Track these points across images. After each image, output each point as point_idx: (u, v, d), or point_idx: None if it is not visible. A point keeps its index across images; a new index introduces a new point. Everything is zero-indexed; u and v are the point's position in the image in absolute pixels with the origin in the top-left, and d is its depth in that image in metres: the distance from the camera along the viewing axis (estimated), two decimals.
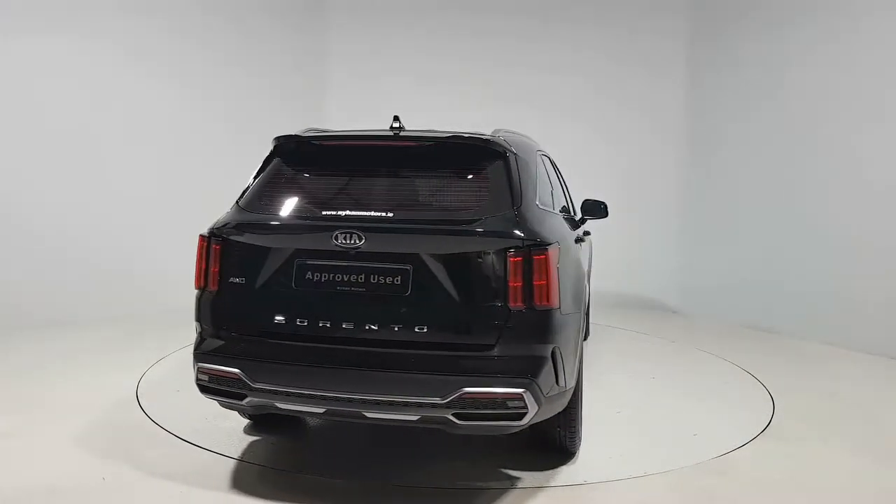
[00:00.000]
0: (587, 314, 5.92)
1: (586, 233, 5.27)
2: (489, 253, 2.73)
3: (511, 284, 2.70)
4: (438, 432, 2.88)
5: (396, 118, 3.26)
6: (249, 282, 2.94)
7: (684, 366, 5.47)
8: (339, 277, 2.83)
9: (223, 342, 2.99)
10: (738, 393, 4.71)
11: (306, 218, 2.98)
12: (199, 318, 3.07)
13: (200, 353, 3.00)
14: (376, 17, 8.29)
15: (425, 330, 2.73)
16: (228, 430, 3.74)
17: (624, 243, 7.49)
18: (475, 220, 2.80)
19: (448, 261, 2.75)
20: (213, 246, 3.02)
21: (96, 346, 5.56)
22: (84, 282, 6.60)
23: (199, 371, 2.97)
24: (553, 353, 2.80)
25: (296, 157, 3.24)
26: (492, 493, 3.04)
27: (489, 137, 3.09)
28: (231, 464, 3.28)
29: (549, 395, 2.80)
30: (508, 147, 3.09)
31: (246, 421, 3.81)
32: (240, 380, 2.85)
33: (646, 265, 7.98)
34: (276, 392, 2.83)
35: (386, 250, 2.80)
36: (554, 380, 2.82)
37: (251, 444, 3.52)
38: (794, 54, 6.70)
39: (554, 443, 3.31)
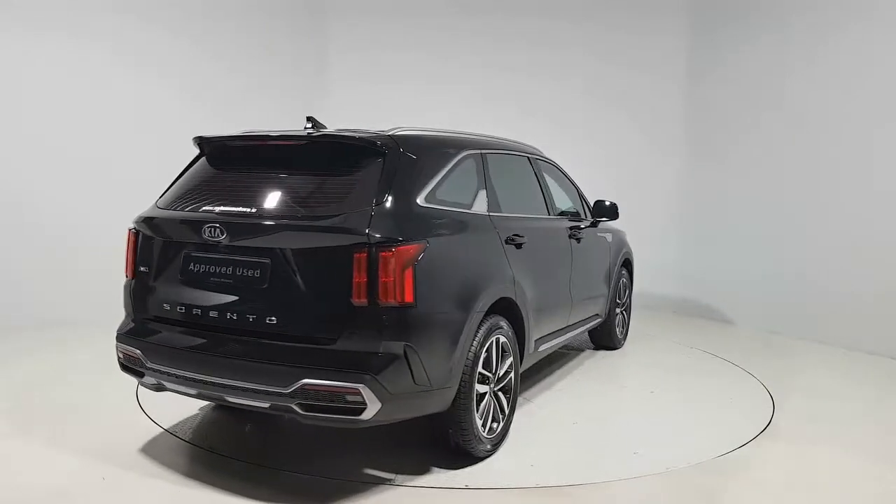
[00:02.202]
0: (624, 312, 5.98)
1: (606, 231, 5.46)
2: (337, 248, 2.80)
3: (354, 280, 2.75)
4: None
5: (309, 119, 3.41)
6: (151, 271, 3.27)
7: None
8: (211, 269, 3.05)
9: (133, 325, 3.33)
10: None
11: (189, 213, 3.19)
12: (124, 303, 3.45)
13: (118, 334, 3.34)
14: (376, 17, 8.29)
15: (275, 321, 2.86)
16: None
17: None
18: (330, 217, 2.88)
19: (301, 256, 2.86)
20: (131, 238, 3.38)
21: (97, 345, 5.55)
22: (84, 282, 6.59)
23: (117, 350, 3.33)
24: (406, 351, 2.81)
25: (209, 157, 3.47)
26: (354, 486, 3.03)
27: (363, 135, 3.13)
28: (231, 464, 3.28)
29: (401, 393, 2.82)
30: (390, 144, 3.11)
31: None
32: (139, 360, 3.17)
33: (645, 265, 7.95)
34: (162, 372, 3.11)
35: (246, 245, 2.97)
36: (410, 378, 2.84)
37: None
38: (795, 54, 6.69)
39: (448, 444, 3.28)
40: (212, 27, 7.50)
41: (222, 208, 3.12)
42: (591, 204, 5.32)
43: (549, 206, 4.59)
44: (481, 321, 3.27)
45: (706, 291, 7.73)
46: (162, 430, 3.73)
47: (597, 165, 7.52)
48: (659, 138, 8.14)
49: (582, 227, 4.94)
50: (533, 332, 3.94)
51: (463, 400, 3.14)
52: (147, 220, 3.30)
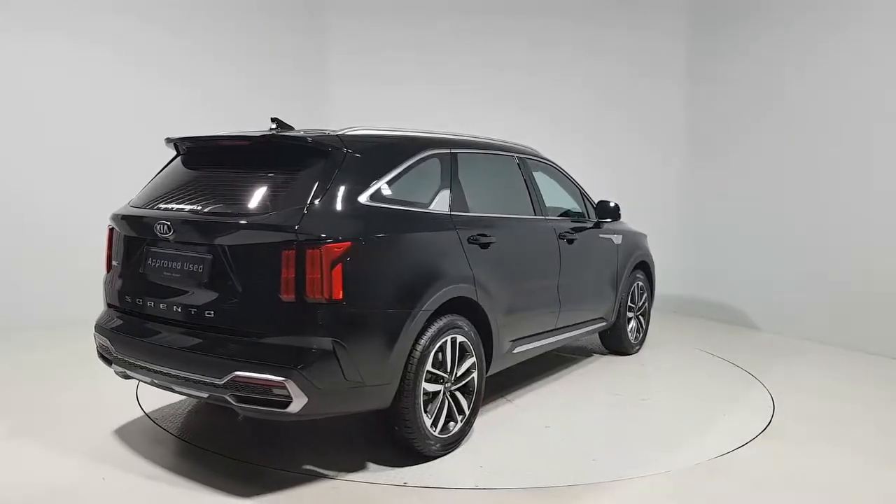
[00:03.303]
0: (641, 317, 5.80)
1: (615, 232, 5.37)
2: (268, 246, 2.89)
3: (283, 277, 2.83)
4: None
5: (274, 119, 3.53)
6: (120, 264, 3.46)
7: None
8: (164, 264, 3.22)
9: (107, 316, 3.50)
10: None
11: (147, 211, 3.34)
12: (103, 295, 3.60)
13: (95, 325, 3.51)
14: (376, 17, 8.29)
15: (212, 315, 2.98)
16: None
17: None
18: (265, 215, 2.96)
19: (237, 252, 2.96)
20: (108, 234, 3.59)
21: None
22: (84, 281, 6.58)
23: (94, 339, 3.50)
24: (335, 347, 2.86)
25: (182, 157, 3.60)
26: (293, 478, 3.10)
27: (306, 136, 3.21)
28: (232, 464, 3.28)
29: (330, 388, 2.88)
30: (334, 145, 3.17)
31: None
32: (109, 349, 3.36)
33: None
34: (124, 361, 3.28)
35: (190, 241, 3.12)
36: (339, 374, 2.88)
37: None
38: (795, 54, 6.69)
39: (398, 441, 3.31)
40: (212, 27, 7.50)
41: (174, 206, 3.26)
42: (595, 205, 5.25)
43: (536, 207, 4.49)
44: (431, 320, 3.28)
45: (706, 291, 7.73)
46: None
47: (597, 165, 7.51)
48: (659, 138, 8.14)
49: (577, 228, 4.85)
50: (504, 333, 3.91)
51: (407, 398, 3.16)
52: (118, 218, 3.48)
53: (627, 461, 3.42)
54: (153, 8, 7.03)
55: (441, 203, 3.62)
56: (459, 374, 3.50)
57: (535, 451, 3.56)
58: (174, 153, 3.68)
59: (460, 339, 3.48)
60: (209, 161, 3.51)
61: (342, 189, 3.07)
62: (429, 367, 3.27)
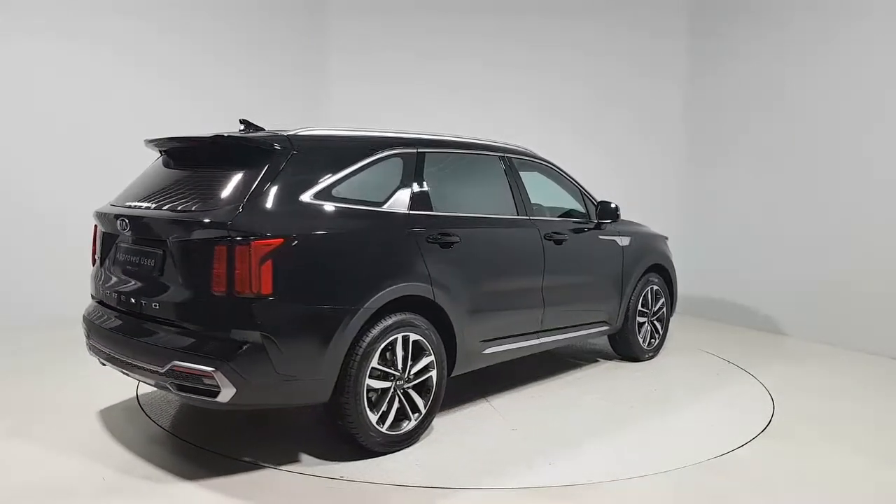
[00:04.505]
0: (657, 323, 5.58)
1: (620, 233, 5.22)
2: (204, 241, 3.03)
3: (215, 271, 2.97)
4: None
5: (243, 121, 3.67)
6: (100, 259, 3.70)
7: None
8: (126, 258, 3.45)
9: (89, 307, 3.74)
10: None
11: (114, 208, 3.54)
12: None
13: (82, 316, 3.72)
14: (376, 17, 8.29)
15: (158, 306, 3.17)
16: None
17: None
18: (205, 212, 3.08)
19: (180, 247, 3.12)
20: (93, 229, 3.82)
21: None
22: (84, 281, 6.58)
23: (82, 327, 3.70)
24: (264, 341, 2.95)
25: (161, 157, 3.76)
26: (235, 466, 3.23)
27: (249, 136, 3.36)
28: (232, 464, 3.28)
29: (259, 380, 2.98)
30: (280, 144, 3.27)
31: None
32: (88, 337, 3.58)
33: None
34: (97, 349, 3.49)
35: (143, 236, 3.33)
36: (270, 367, 2.98)
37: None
38: (795, 54, 6.69)
39: (343, 435, 3.36)
40: (212, 27, 7.50)
41: (138, 204, 3.44)
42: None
43: (520, 207, 4.41)
44: (377, 318, 3.31)
45: (705, 291, 7.73)
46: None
47: (597, 165, 7.52)
48: (659, 138, 8.14)
49: (575, 229, 4.78)
50: (473, 334, 3.89)
51: (348, 393, 3.21)
52: (97, 214, 3.72)
53: (600, 466, 3.36)
54: (153, 8, 7.03)
55: (398, 202, 3.62)
56: (414, 372, 3.52)
57: (486, 453, 3.51)
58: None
59: (415, 337, 3.49)
60: (176, 161, 3.64)
61: (283, 187, 3.16)
62: (374, 363, 3.30)
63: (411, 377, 3.51)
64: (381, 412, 3.35)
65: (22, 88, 6.33)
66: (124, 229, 3.37)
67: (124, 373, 3.38)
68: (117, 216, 3.40)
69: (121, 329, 3.35)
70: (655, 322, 5.63)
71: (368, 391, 3.30)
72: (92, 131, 6.69)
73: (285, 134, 3.36)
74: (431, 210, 3.77)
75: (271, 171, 3.17)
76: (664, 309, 5.70)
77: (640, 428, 3.96)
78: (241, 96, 7.69)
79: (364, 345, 3.24)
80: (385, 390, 3.39)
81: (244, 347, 2.94)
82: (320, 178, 3.30)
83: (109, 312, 3.50)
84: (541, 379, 4.89)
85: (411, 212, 3.64)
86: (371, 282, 3.32)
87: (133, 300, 3.31)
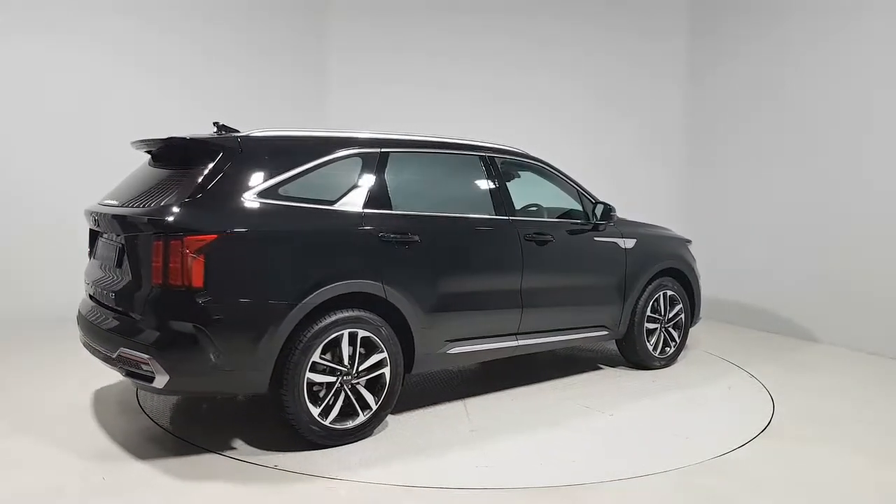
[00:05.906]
0: (673, 330, 5.31)
1: (621, 235, 5.02)
2: (146, 236, 3.23)
3: (153, 264, 3.16)
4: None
5: (216, 123, 3.79)
6: (88, 253, 3.98)
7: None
8: (101, 252, 3.74)
9: (81, 301, 3.95)
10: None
11: (98, 206, 3.72)
12: None
13: (78, 310, 3.92)
14: (377, 17, 8.29)
15: (114, 297, 3.44)
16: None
17: None
18: (151, 209, 3.27)
19: (132, 242, 3.35)
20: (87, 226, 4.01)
21: None
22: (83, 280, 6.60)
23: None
24: (196, 332, 3.12)
25: (149, 157, 3.91)
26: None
27: (199, 137, 3.53)
28: (232, 464, 3.28)
29: (193, 369, 3.17)
30: (227, 145, 3.44)
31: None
32: (80, 330, 3.79)
33: None
34: (83, 341, 3.74)
35: (107, 231, 3.63)
36: (204, 356, 3.14)
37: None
38: (796, 54, 6.69)
39: (287, 426, 3.43)
40: (212, 27, 7.50)
41: (111, 202, 3.63)
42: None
43: (499, 207, 4.31)
44: (321, 313, 3.39)
45: (705, 291, 7.69)
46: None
47: (597, 165, 7.52)
48: (659, 138, 8.14)
49: (572, 231, 4.72)
50: (434, 333, 3.87)
51: (286, 386, 3.31)
52: (87, 211, 3.87)
53: (554, 472, 3.28)
54: (153, 8, 7.03)
55: (352, 201, 3.65)
56: (364, 368, 3.55)
57: (432, 452, 3.48)
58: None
59: (364, 333, 3.53)
60: (155, 161, 3.80)
61: (224, 186, 3.31)
62: (316, 358, 3.38)
63: (360, 373, 3.54)
64: (323, 406, 3.42)
65: (22, 88, 6.33)
66: (96, 226, 3.70)
67: (103, 363, 3.53)
68: (92, 213, 3.68)
69: (95, 320, 3.59)
70: (672, 329, 5.34)
71: (312, 385, 3.39)
72: (92, 131, 6.69)
73: (236, 135, 3.54)
74: (390, 209, 3.77)
75: (215, 170, 3.33)
76: (681, 316, 5.42)
77: (635, 429, 3.95)
78: (241, 96, 7.69)
79: (305, 339, 3.34)
80: (330, 384, 3.45)
81: (177, 337, 3.14)
82: (266, 178, 3.42)
83: (92, 305, 3.73)
84: (530, 382, 4.77)
85: (366, 210, 3.67)
86: (311, 279, 3.39)
87: (102, 292, 3.58)
